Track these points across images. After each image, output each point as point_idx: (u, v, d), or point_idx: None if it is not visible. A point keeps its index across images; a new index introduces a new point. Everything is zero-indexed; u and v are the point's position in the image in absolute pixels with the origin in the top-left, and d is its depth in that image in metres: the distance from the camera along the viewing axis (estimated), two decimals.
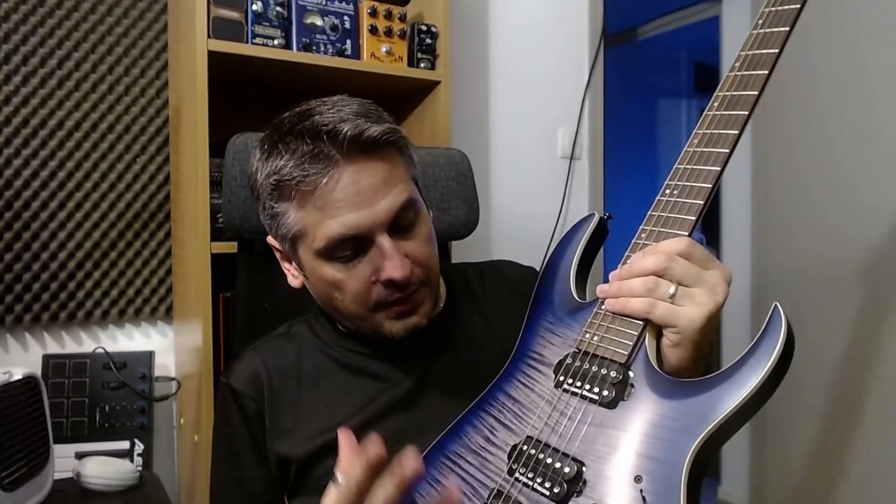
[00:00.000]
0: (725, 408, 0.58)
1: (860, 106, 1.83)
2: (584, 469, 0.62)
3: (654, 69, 4.13)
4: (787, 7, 0.70)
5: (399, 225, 0.75)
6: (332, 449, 0.80)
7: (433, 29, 1.66)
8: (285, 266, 0.84)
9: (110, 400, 1.58)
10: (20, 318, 1.57)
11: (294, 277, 0.83)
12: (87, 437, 1.54)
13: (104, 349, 1.62)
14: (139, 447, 1.57)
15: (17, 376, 1.20)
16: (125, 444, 1.56)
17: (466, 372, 0.81)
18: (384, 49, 1.59)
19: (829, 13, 1.89)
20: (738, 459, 2.38)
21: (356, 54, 1.56)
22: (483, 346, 0.86)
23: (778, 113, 2.09)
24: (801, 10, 0.70)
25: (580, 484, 0.62)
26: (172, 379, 1.69)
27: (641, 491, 0.58)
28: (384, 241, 0.73)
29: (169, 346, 1.74)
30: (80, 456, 1.44)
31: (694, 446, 0.58)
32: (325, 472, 0.80)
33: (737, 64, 0.71)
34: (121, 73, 1.66)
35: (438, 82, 1.67)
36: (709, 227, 2.94)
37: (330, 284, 0.76)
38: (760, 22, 0.71)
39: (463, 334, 0.86)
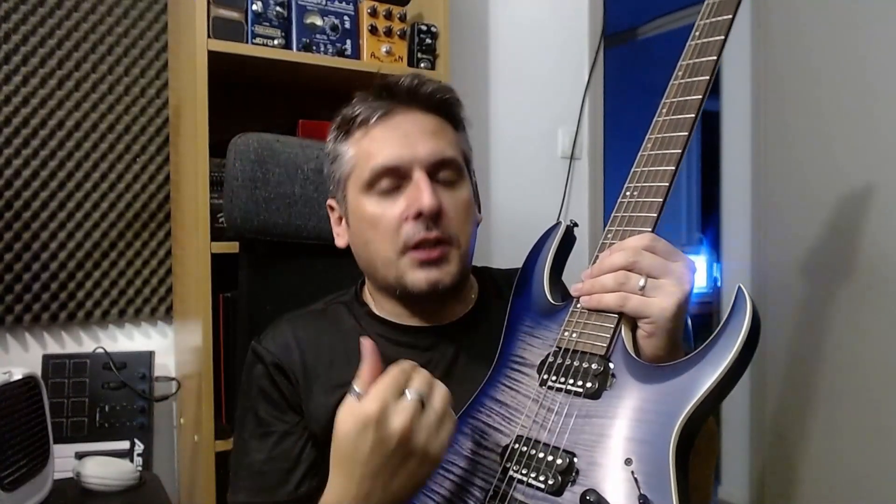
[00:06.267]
0: (703, 386, 0.61)
1: (860, 105, 1.83)
2: (575, 459, 0.64)
3: (654, 69, 4.12)
4: (720, 18, 0.78)
5: (439, 177, 0.81)
6: None
7: (433, 29, 1.66)
8: (336, 230, 0.90)
9: (110, 400, 1.58)
10: (20, 318, 1.57)
11: (340, 237, 0.90)
12: (87, 437, 1.54)
13: (104, 349, 1.62)
14: (139, 447, 1.57)
15: (17, 376, 1.20)
16: (125, 444, 1.56)
17: (490, 368, 0.82)
18: (384, 49, 1.59)
19: (828, 13, 1.90)
20: (738, 459, 2.38)
21: (356, 54, 1.56)
22: None
23: (778, 112, 2.09)
24: (732, 20, 0.77)
25: (573, 474, 0.64)
26: (172, 379, 1.69)
27: (633, 472, 0.60)
28: (419, 176, 0.79)
29: (169, 346, 1.74)
30: (80, 456, 1.44)
31: (678, 425, 0.60)
32: None
33: (679, 73, 0.77)
34: (121, 73, 1.66)
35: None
36: (709, 227, 2.94)
37: (368, 223, 0.81)
38: (697, 34, 0.78)
39: (490, 332, 0.87)
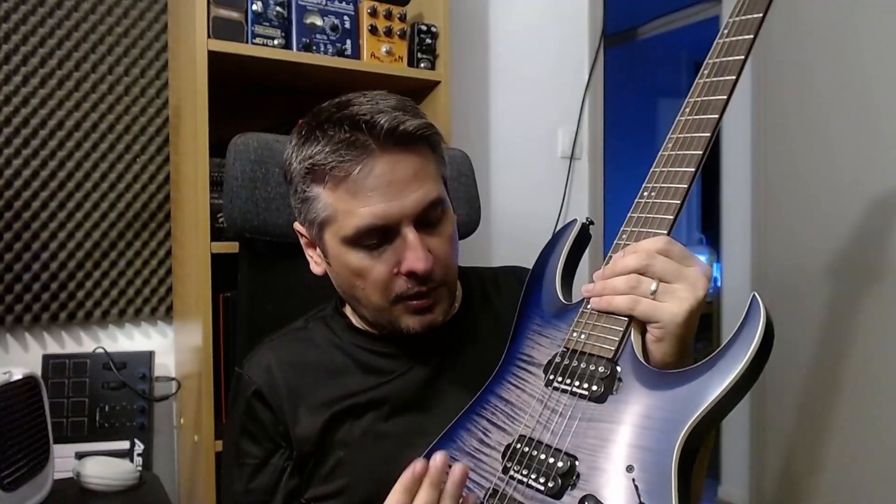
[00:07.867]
0: (711, 396, 0.59)
1: (859, 105, 1.83)
2: (576, 463, 0.64)
3: (654, 69, 4.13)
4: (750, 16, 0.74)
5: (425, 220, 0.77)
6: (341, 418, 0.81)
7: (433, 29, 1.66)
8: (309, 253, 0.85)
9: (110, 400, 1.58)
10: (20, 318, 1.57)
11: (317, 265, 0.85)
12: (87, 437, 1.54)
13: (104, 349, 1.62)
14: (139, 447, 1.57)
15: (17, 376, 1.20)
16: (125, 444, 1.56)
17: (477, 374, 0.82)
18: (384, 49, 1.59)
19: (827, 13, 1.90)
20: (738, 459, 2.38)
21: (356, 54, 1.56)
22: (496, 349, 0.86)
23: (778, 112, 2.09)
24: (763, 18, 0.74)
25: (574, 477, 0.63)
26: (172, 379, 1.69)
27: (633, 480, 0.60)
28: (409, 232, 0.75)
29: (169, 346, 1.74)
30: (80, 456, 1.44)
31: (682, 434, 0.59)
32: (337, 461, 0.81)
33: (705, 71, 0.75)
34: (121, 73, 1.66)
35: (438, 82, 1.67)
36: (709, 226, 2.94)
37: (353, 272, 0.78)
38: (726, 31, 0.75)
39: (476, 337, 0.87)
